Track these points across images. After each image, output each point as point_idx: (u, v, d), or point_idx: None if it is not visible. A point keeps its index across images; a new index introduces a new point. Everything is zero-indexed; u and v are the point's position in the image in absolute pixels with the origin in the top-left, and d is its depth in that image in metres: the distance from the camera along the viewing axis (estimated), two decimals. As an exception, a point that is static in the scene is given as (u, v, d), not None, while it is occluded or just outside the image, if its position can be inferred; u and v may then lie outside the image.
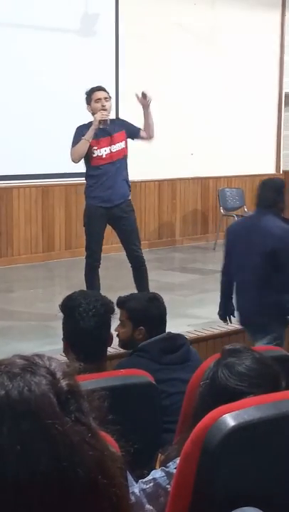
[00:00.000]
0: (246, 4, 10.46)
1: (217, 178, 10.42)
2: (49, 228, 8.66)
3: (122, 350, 4.39)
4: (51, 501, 0.80)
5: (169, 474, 2.12)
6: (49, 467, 0.80)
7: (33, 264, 8.41)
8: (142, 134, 6.19)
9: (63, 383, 0.86)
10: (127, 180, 6.18)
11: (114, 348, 3.79)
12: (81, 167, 6.20)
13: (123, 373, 2.72)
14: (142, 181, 9.64)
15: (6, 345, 5.39)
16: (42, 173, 8.38)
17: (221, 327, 5.70)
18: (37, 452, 0.81)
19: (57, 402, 0.84)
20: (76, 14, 8.87)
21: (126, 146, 6.10)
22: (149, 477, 2.18)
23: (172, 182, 10.00)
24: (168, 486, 2.08)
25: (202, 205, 10.39)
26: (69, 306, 3.13)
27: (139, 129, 6.15)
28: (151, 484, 2.16)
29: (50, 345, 5.28)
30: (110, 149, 5.99)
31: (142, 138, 6.22)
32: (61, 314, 3.12)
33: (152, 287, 6.76)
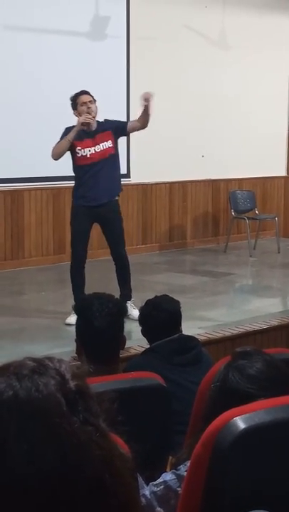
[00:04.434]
0: (257, 7, 10.45)
1: (228, 181, 10.40)
2: (60, 231, 8.68)
3: (132, 352, 4.40)
4: (59, 500, 0.80)
5: (179, 477, 2.11)
6: (56, 466, 0.81)
7: (44, 267, 8.42)
8: (132, 124, 6.21)
9: (72, 384, 0.87)
10: (115, 180, 6.17)
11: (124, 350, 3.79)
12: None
13: (133, 376, 2.73)
14: (153, 183, 9.64)
15: (17, 347, 5.40)
16: (53, 175, 8.39)
17: (231, 329, 5.69)
18: (44, 451, 0.81)
19: (65, 402, 0.85)
20: (87, 17, 8.89)
21: (113, 146, 6.11)
22: (160, 480, 2.18)
23: (183, 184, 10.00)
24: (178, 489, 2.08)
25: (213, 207, 10.38)
26: (82, 307, 3.15)
27: (126, 122, 6.17)
28: (162, 487, 2.16)
29: (60, 347, 5.30)
30: (95, 149, 6.03)
31: (134, 129, 6.21)
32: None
33: (163, 290, 6.76)
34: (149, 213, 9.68)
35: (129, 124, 6.29)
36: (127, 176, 9.34)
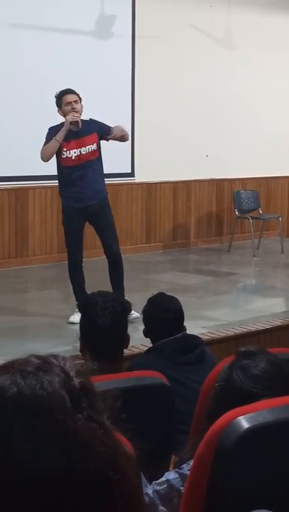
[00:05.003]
0: (262, 7, 10.44)
1: (232, 180, 10.40)
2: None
3: (135, 351, 4.40)
4: (63, 497, 0.80)
5: (182, 476, 2.11)
6: (61, 463, 0.81)
7: (47, 265, 8.43)
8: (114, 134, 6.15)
9: (76, 381, 0.87)
10: (101, 182, 6.14)
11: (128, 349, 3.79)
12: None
13: (137, 374, 2.73)
14: (157, 183, 9.64)
15: (21, 345, 5.41)
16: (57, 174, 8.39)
17: (235, 329, 5.69)
18: (49, 448, 0.81)
19: (69, 399, 0.85)
20: (92, 16, 8.89)
21: (98, 148, 6.08)
22: (163, 478, 2.18)
23: (187, 184, 9.99)
24: (181, 488, 2.08)
25: (217, 207, 10.37)
26: (86, 305, 3.15)
27: (111, 128, 6.10)
28: (165, 486, 2.16)
29: (64, 345, 5.31)
30: (80, 151, 6.00)
31: (114, 138, 6.15)
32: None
33: (166, 289, 6.75)
34: (153, 212, 9.68)
35: (112, 130, 6.13)
36: (131, 174, 9.34)
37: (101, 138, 6.12)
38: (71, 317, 5.95)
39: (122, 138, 6.11)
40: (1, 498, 0.80)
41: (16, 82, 8.25)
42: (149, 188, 9.63)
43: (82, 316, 3.23)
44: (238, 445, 1.74)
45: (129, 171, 9.25)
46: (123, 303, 3.17)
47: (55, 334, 5.79)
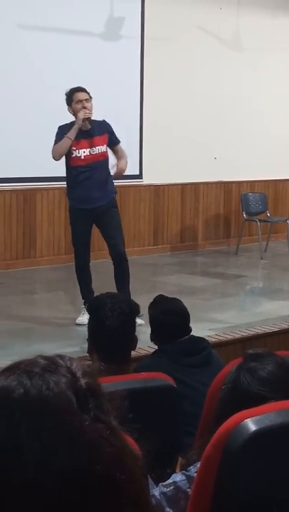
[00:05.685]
0: (271, 9, 10.43)
1: (240, 183, 10.39)
2: (72, 230, 8.68)
3: (142, 353, 4.39)
4: (70, 497, 0.80)
5: (189, 478, 2.11)
6: (67, 464, 0.81)
7: (55, 266, 8.43)
8: (117, 149, 6.13)
9: (83, 382, 0.87)
10: (109, 183, 6.08)
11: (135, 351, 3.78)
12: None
13: (144, 376, 2.73)
14: (165, 185, 9.64)
15: (28, 346, 5.41)
16: (65, 175, 8.39)
17: (242, 332, 5.68)
18: (55, 449, 0.81)
19: (76, 400, 0.85)
20: (101, 17, 8.89)
21: (106, 150, 6.03)
22: (170, 480, 2.18)
23: (195, 186, 9.99)
24: (188, 490, 2.08)
25: (225, 209, 10.37)
26: (95, 306, 3.16)
27: (119, 142, 6.10)
28: (172, 488, 2.15)
29: (72, 346, 5.31)
30: (90, 151, 5.93)
31: (115, 156, 6.13)
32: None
33: (174, 291, 6.76)
34: (160, 214, 9.67)
35: (117, 147, 6.15)
36: (140, 176, 9.34)
37: (110, 144, 6.07)
38: (78, 318, 5.95)
39: (117, 174, 6.07)
40: (8, 499, 0.80)
41: (24, 84, 8.26)
42: (157, 190, 9.62)
43: (90, 318, 3.23)
44: (246, 448, 1.73)
45: (137, 172, 9.25)
46: (131, 304, 3.18)
47: (63, 335, 5.79)
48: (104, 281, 5.98)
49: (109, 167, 6.15)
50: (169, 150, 9.47)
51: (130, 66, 9.14)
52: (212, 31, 9.92)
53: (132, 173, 9.23)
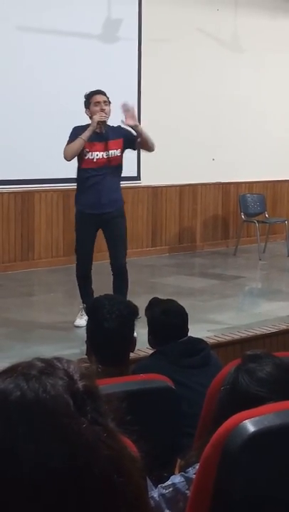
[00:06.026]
0: (269, 10, 10.44)
1: (238, 184, 10.39)
2: (70, 232, 8.64)
3: (141, 354, 4.39)
4: (67, 500, 0.80)
5: (188, 479, 2.11)
6: (64, 466, 0.81)
7: (53, 268, 8.43)
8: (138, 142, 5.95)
9: (80, 384, 0.87)
10: (118, 189, 5.96)
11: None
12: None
13: (142, 378, 2.72)
14: (163, 186, 9.64)
15: (27, 348, 5.41)
16: (63, 177, 8.40)
17: (240, 333, 5.68)
18: (52, 452, 0.81)
19: (73, 402, 0.85)
20: (99, 19, 8.90)
21: (121, 155, 5.91)
22: (169, 482, 2.18)
23: (193, 187, 9.99)
24: (187, 491, 2.08)
25: (223, 210, 10.37)
26: (93, 308, 3.16)
27: (137, 137, 5.92)
28: (171, 489, 2.15)
29: (71, 349, 5.30)
30: (103, 155, 5.82)
31: (141, 148, 6.01)
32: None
33: (172, 292, 6.76)
34: (158, 216, 9.68)
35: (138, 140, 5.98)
36: (137, 178, 9.34)
37: (127, 146, 5.94)
38: (76, 321, 5.93)
39: (146, 143, 5.87)
40: (5, 501, 0.80)
41: (23, 86, 8.27)
42: (155, 191, 9.63)
43: (88, 319, 3.23)
44: (244, 449, 1.73)
45: (135, 174, 9.25)
46: (130, 306, 3.17)
47: (62, 337, 5.78)
48: (103, 283, 5.97)
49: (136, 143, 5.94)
50: (167, 151, 9.46)
51: (128, 68, 9.14)
52: (210, 32, 9.92)
53: (130, 175, 9.23)
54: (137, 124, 5.92)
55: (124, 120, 5.83)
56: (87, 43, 8.79)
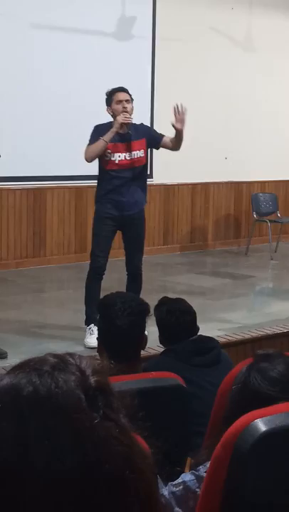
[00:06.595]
0: (284, 9, 10.40)
1: (250, 183, 10.37)
2: (82, 229, 8.69)
3: (151, 353, 4.39)
4: (78, 496, 0.80)
5: (198, 478, 2.10)
6: (76, 462, 0.81)
7: (65, 265, 8.44)
8: (166, 141, 5.79)
9: (92, 380, 0.87)
10: (142, 190, 5.79)
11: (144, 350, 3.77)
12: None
13: (153, 375, 2.72)
14: (175, 185, 9.63)
15: (39, 344, 5.42)
16: (76, 174, 8.41)
17: (251, 332, 5.67)
18: (64, 447, 0.81)
19: (85, 398, 0.84)
20: (113, 17, 8.90)
21: (145, 155, 5.75)
22: (179, 480, 2.17)
23: (206, 186, 9.98)
24: (197, 490, 2.07)
25: (235, 209, 10.35)
26: (105, 305, 3.16)
27: (162, 136, 5.79)
28: (181, 487, 2.15)
29: (81, 345, 5.31)
30: (125, 156, 5.61)
31: (166, 146, 5.85)
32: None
33: (183, 291, 6.76)
34: (171, 214, 9.67)
35: (164, 139, 5.82)
36: (150, 176, 9.31)
37: (150, 146, 5.82)
38: (86, 340, 5.54)
39: (178, 143, 5.73)
40: (16, 498, 0.80)
41: (36, 83, 8.27)
42: (167, 189, 9.62)
43: (100, 317, 3.23)
44: (255, 448, 1.72)
45: (147, 172, 9.23)
46: (141, 304, 3.17)
47: (73, 334, 5.79)
48: (113, 281, 5.97)
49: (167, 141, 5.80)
50: (180, 150, 9.45)
51: (141, 66, 9.14)
52: (224, 32, 9.90)
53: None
54: (183, 129, 5.73)
55: (173, 122, 5.66)
56: (100, 40, 8.79)
